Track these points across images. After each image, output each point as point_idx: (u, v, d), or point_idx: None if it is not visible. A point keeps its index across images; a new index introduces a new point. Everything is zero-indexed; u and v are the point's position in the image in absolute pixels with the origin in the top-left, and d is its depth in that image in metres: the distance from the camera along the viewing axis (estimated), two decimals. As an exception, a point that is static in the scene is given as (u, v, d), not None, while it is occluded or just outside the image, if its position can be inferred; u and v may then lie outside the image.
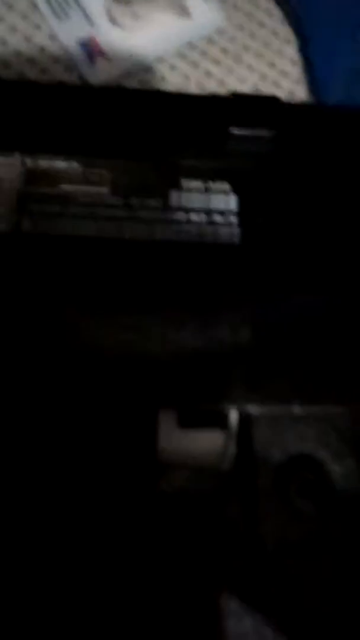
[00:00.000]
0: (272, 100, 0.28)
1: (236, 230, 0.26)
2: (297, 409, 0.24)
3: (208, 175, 0.27)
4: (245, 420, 0.24)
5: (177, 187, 0.27)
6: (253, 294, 0.24)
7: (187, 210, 0.26)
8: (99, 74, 0.41)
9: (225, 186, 0.27)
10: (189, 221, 0.26)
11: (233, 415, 0.24)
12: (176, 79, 0.42)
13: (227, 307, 0.24)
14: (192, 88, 0.42)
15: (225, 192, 0.27)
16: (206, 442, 0.24)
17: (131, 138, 0.27)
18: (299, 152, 0.28)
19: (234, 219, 0.26)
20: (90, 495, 0.22)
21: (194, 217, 0.26)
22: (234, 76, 0.43)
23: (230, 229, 0.26)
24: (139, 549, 0.21)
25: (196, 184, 0.27)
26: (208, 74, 0.43)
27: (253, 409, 0.24)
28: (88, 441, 0.23)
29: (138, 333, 0.23)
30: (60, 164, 0.26)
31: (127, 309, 0.24)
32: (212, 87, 0.42)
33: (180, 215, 0.26)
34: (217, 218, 0.27)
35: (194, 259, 0.25)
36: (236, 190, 0.27)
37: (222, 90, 0.41)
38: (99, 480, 0.22)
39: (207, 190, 0.27)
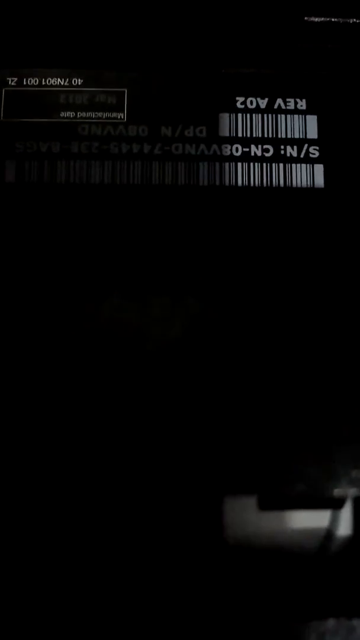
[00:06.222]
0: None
1: (319, 168, 0.22)
2: None
3: (276, 87, 0.23)
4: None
5: (230, 107, 0.23)
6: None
7: (244, 142, 0.22)
8: None
9: (302, 103, 0.23)
10: (247, 157, 0.22)
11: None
12: None
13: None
14: None
15: (301, 113, 0.23)
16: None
17: (160, 34, 0.22)
18: None
19: (314, 152, 0.22)
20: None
21: (255, 151, 0.22)
22: None
23: (309, 167, 0.22)
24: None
25: (258, 101, 0.23)
26: None
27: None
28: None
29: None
30: (56, 79, 0.22)
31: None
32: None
33: (234, 150, 0.22)
34: (290, 151, 0.22)
35: (257, 215, 0.21)
36: (318, 108, 0.23)
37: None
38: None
39: (274, 110, 0.23)
